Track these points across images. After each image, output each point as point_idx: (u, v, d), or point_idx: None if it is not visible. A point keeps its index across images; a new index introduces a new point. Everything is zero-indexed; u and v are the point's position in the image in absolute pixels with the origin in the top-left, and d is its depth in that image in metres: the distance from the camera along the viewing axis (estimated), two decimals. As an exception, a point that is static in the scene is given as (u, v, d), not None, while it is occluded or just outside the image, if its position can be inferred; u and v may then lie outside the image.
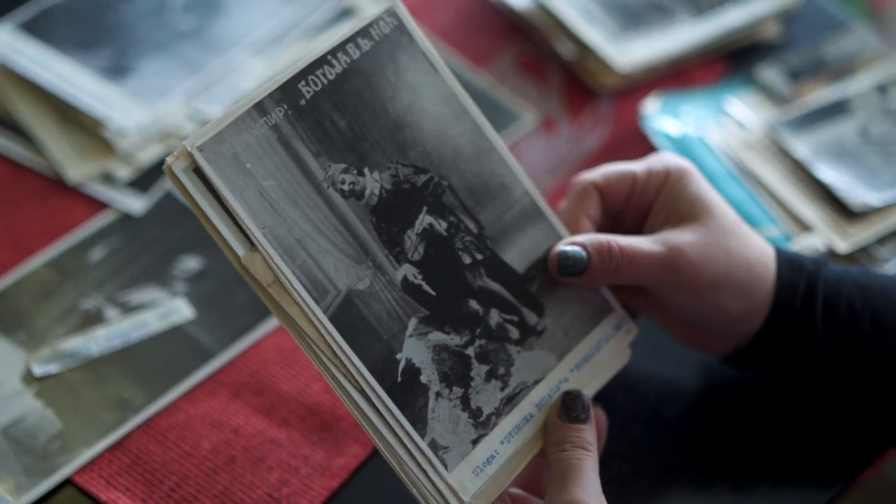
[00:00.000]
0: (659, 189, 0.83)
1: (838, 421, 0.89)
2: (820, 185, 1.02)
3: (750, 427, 0.89)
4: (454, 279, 0.77)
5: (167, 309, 0.95)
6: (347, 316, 0.73)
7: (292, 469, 0.86)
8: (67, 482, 0.86)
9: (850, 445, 0.88)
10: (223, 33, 1.12)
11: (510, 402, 0.77)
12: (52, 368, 0.91)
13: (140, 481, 0.86)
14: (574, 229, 0.83)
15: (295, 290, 0.72)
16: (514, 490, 0.79)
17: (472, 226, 0.79)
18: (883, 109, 1.07)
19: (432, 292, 0.76)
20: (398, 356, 0.74)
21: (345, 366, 0.72)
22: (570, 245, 0.80)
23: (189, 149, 0.70)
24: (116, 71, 1.08)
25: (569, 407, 0.77)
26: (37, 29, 1.09)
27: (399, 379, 0.74)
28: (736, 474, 0.87)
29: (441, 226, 0.77)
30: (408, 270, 0.76)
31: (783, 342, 0.84)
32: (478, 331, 0.77)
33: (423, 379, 0.75)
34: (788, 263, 0.84)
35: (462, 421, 0.75)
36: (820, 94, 1.09)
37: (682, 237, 0.81)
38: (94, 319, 0.94)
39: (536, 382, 0.78)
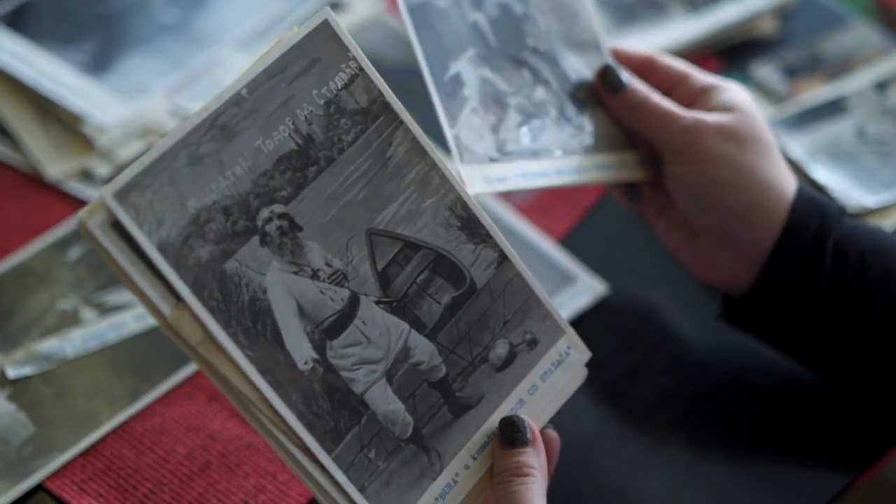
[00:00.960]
0: (704, 91, 0.88)
1: (839, 420, 0.87)
2: (815, 186, 1.00)
3: (748, 428, 0.88)
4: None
5: (144, 310, 0.93)
6: None
7: (269, 475, 0.85)
8: (39, 487, 0.84)
9: (853, 445, 0.87)
10: (207, 27, 1.11)
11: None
12: (27, 371, 0.89)
13: (113, 487, 0.84)
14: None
15: (227, 347, 0.67)
16: None
17: None
18: (881, 108, 1.05)
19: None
20: None
21: (285, 423, 0.68)
22: (618, 67, 0.88)
23: (105, 200, 0.64)
24: (97, 66, 1.06)
25: (505, 432, 0.74)
26: (16, 22, 1.08)
27: None
28: (739, 472, 0.86)
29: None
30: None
31: (789, 280, 0.83)
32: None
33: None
34: (806, 200, 0.85)
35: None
36: (816, 92, 1.07)
37: (711, 115, 0.85)
38: (70, 320, 0.92)
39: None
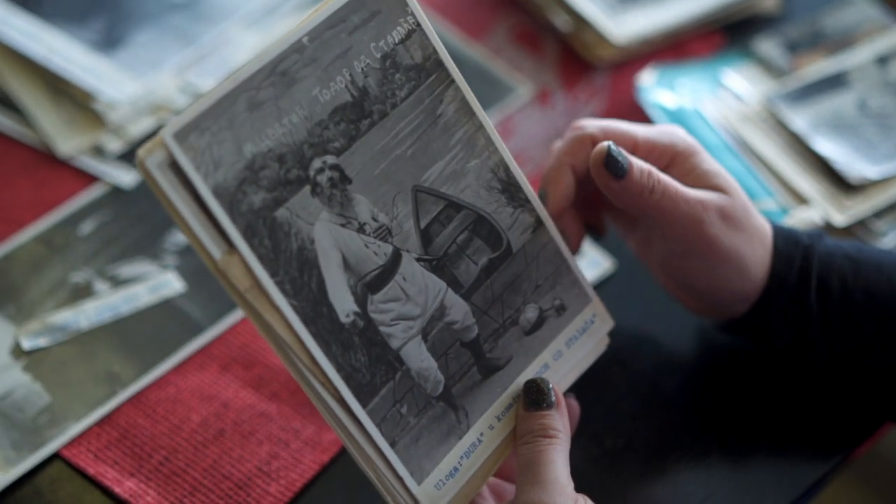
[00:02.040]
0: (668, 162, 0.82)
1: (835, 396, 0.88)
2: (817, 158, 1.01)
3: (747, 401, 0.89)
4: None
5: (157, 282, 0.94)
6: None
7: (282, 443, 0.86)
8: (55, 456, 0.85)
9: (846, 420, 0.88)
10: (216, 4, 1.11)
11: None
12: (42, 342, 0.90)
13: (129, 455, 0.85)
14: (554, 178, 0.81)
15: (273, 296, 0.67)
16: (491, 479, 0.78)
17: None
18: (882, 82, 1.06)
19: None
20: None
21: (323, 374, 0.69)
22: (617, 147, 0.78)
23: (165, 140, 0.64)
24: (108, 43, 1.07)
25: (530, 395, 0.75)
26: (27, 1, 1.08)
27: None
28: (732, 448, 0.87)
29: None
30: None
31: (778, 316, 0.84)
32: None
33: None
34: (785, 238, 0.84)
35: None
36: (818, 67, 1.08)
37: (712, 197, 0.80)
38: (83, 293, 0.93)
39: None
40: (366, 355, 0.71)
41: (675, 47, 1.13)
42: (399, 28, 0.73)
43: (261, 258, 0.67)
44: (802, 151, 1.02)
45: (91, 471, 0.84)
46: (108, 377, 0.89)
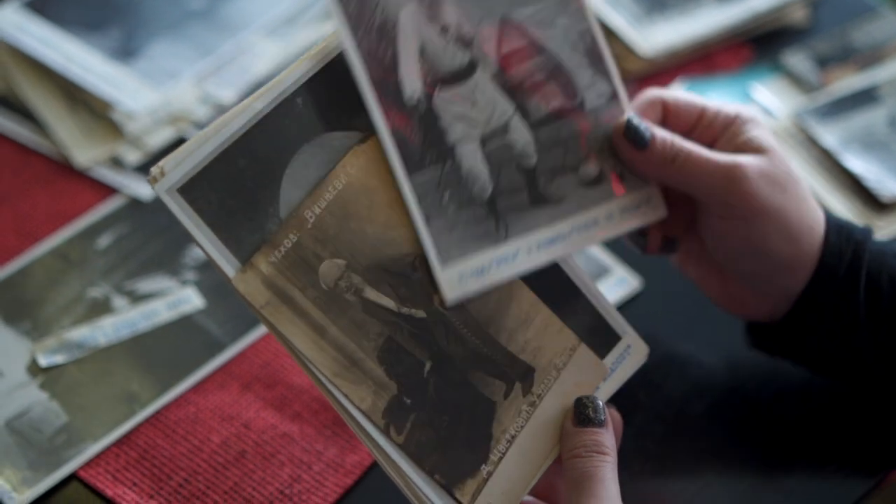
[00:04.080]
0: (726, 127, 0.82)
1: (869, 418, 0.86)
2: (848, 176, 0.99)
3: (778, 425, 0.87)
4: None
5: (176, 298, 0.92)
6: None
7: (305, 465, 0.84)
8: (73, 477, 0.83)
9: (879, 444, 0.86)
10: (235, 14, 1.10)
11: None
12: (59, 359, 0.89)
13: (148, 476, 0.83)
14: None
15: (345, 42, 0.70)
16: (527, 497, 0.76)
17: None
18: (913, 97, 1.04)
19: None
20: None
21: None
22: (639, 118, 0.80)
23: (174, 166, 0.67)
24: (126, 52, 1.06)
25: (582, 411, 0.74)
26: (44, 8, 1.07)
27: None
28: (763, 473, 0.85)
29: None
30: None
31: (823, 311, 0.82)
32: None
33: None
34: (838, 229, 0.82)
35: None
36: (849, 82, 1.07)
37: (746, 159, 0.80)
38: (101, 308, 0.92)
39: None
40: (420, 134, 0.72)
41: (702, 60, 1.11)
42: None
43: (347, 17, 0.70)
44: (833, 168, 1.00)
45: (109, 492, 0.82)
46: (127, 396, 0.87)
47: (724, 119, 0.83)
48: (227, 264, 0.68)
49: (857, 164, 0.99)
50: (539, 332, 0.75)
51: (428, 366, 0.72)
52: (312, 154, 0.71)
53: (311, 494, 0.83)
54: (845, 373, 0.85)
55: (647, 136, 0.79)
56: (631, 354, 0.80)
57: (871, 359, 0.82)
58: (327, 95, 0.72)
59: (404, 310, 0.72)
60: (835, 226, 0.82)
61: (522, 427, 0.74)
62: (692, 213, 0.84)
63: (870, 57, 1.09)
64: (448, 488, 0.71)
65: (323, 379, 0.69)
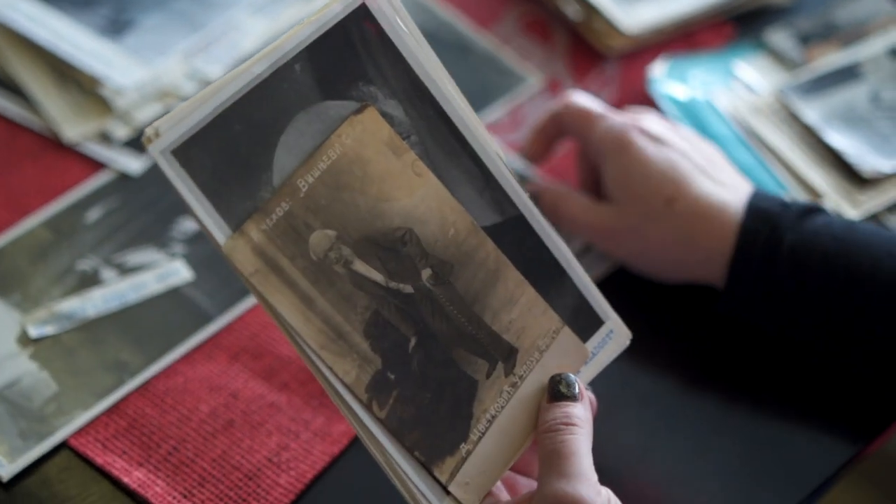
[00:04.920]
0: (605, 156, 0.92)
1: (849, 391, 0.88)
2: (830, 152, 1.00)
3: (753, 400, 0.88)
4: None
5: (165, 270, 0.93)
6: None
7: (292, 434, 0.85)
8: (63, 445, 0.84)
9: (853, 420, 0.87)
10: (224, -9, 1.10)
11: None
12: (48, 330, 0.89)
13: (137, 445, 0.84)
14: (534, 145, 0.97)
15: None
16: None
17: None
18: (895, 74, 1.05)
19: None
20: None
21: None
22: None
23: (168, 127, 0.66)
24: (115, 28, 1.06)
25: (555, 387, 0.74)
26: (33, -15, 1.07)
27: None
28: (738, 448, 0.86)
29: None
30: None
31: (750, 291, 0.86)
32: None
33: None
34: (755, 214, 0.87)
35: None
36: (831, 59, 1.07)
37: (602, 219, 0.91)
38: (90, 281, 0.93)
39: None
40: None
41: (686, 38, 1.12)
42: None
43: None
44: (815, 144, 1.01)
45: (100, 460, 0.83)
46: (116, 366, 0.88)
47: (601, 148, 0.93)
48: (218, 230, 0.67)
49: (839, 139, 1.00)
50: (523, 312, 0.75)
51: (413, 342, 0.72)
52: (308, 122, 0.70)
53: (299, 462, 0.84)
54: (798, 345, 0.89)
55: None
56: (613, 339, 0.79)
57: (811, 332, 0.86)
58: (326, 63, 0.71)
59: (392, 284, 0.72)
60: (753, 211, 0.87)
61: (503, 407, 0.74)
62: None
63: (852, 34, 1.10)
64: (427, 466, 0.71)
65: (308, 351, 0.69)
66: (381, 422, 0.70)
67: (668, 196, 0.88)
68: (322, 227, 0.70)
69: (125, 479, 0.82)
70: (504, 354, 0.75)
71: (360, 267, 0.71)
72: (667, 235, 0.89)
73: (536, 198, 0.85)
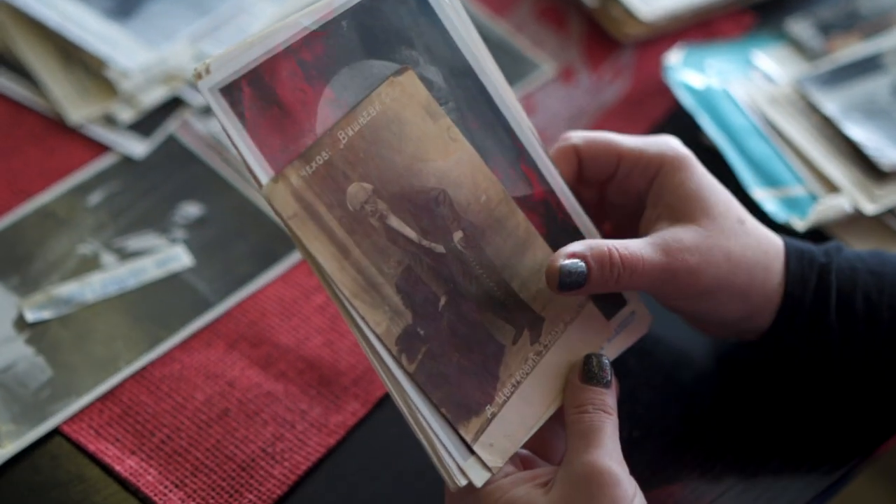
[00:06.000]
0: (653, 178, 0.79)
1: (857, 395, 0.85)
2: (848, 144, 0.98)
3: (765, 396, 0.86)
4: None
5: (165, 256, 0.92)
6: None
7: (288, 424, 0.84)
8: (56, 432, 0.83)
9: (867, 419, 0.85)
10: (233, -26, 1.09)
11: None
12: (46, 315, 0.88)
13: (130, 432, 0.83)
14: None
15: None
16: (523, 451, 0.76)
17: None
18: (918, 66, 1.03)
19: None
20: None
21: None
22: (569, 258, 0.75)
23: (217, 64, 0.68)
24: (122, 11, 1.05)
25: (591, 370, 0.75)
26: (41, -34, 1.06)
27: None
28: (749, 444, 0.84)
29: None
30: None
31: (795, 339, 0.81)
32: None
33: None
34: (798, 257, 0.80)
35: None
36: (852, 49, 1.05)
37: (682, 242, 0.77)
38: (90, 265, 0.91)
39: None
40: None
41: (703, 26, 1.10)
42: None
43: None
44: (833, 136, 0.99)
45: (92, 447, 0.82)
46: (112, 352, 0.87)
47: (647, 167, 0.79)
48: (261, 171, 0.68)
49: (858, 132, 0.98)
50: None
51: (443, 300, 0.73)
52: (352, 77, 0.72)
53: (294, 453, 0.82)
54: (824, 379, 0.84)
55: (581, 279, 0.74)
56: (634, 321, 0.80)
57: (849, 374, 0.82)
58: (371, 24, 0.73)
59: (425, 242, 0.73)
60: (796, 254, 0.80)
61: (528, 374, 0.75)
62: None
63: (875, 25, 1.08)
64: (453, 424, 0.71)
65: (342, 298, 0.70)
66: (410, 376, 0.71)
67: (739, 214, 0.80)
68: (359, 179, 0.71)
69: (117, 467, 0.81)
70: (530, 322, 0.75)
71: (395, 222, 0.72)
72: (747, 253, 0.78)
73: (586, 277, 0.75)
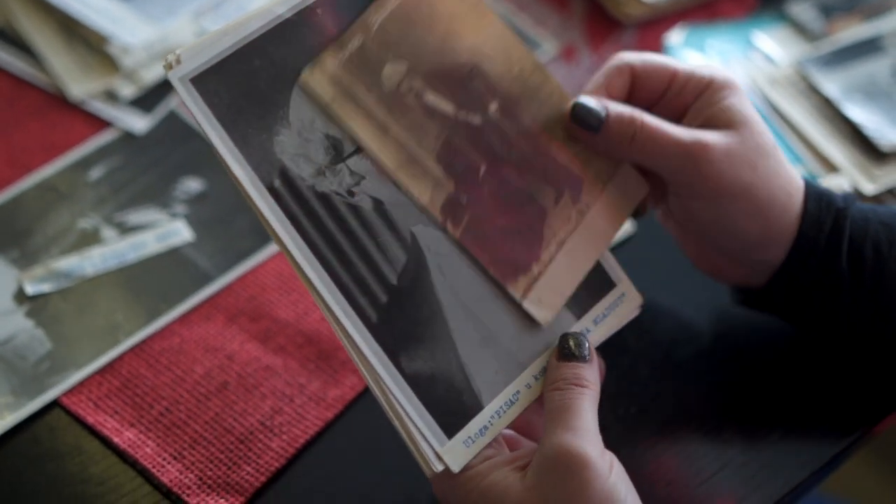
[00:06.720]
0: (698, 94, 0.80)
1: (857, 369, 0.85)
2: (848, 125, 0.98)
3: (764, 373, 0.86)
4: None
5: (166, 230, 0.92)
6: None
7: (286, 398, 0.84)
8: (55, 404, 0.83)
9: (866, 396, 0.85)
10: (236, -49, 1.09)
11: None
12: (45, 288, 0.88)
13: (129, 405, 0.83)
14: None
15: None
16: (507, 431, 0.76)
17: None
18: (918, 48, 1.03)
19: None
20: None
21: None
22: (590, 99, 0.78)
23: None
24: (124, -13, 1.05)
25: (567, 350, 0.74)
26: (43, -59, 1.06)
27: None
28: (748, 420, 0.84)
29: None
30: None
31: (804, 281, 0.80)
32: None
33: None
34: (817, 198, 0.80)
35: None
36: (853, 31, 1.05)
37: (712, 136, 0.77)
38: (90, 239, 0.92)
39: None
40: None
41: (705, 7, 1.10)
42: None
43: None
44: (833, 117, 0.99)
45: (90, 419, 0.82)
46: (112, 325, 0.87)
47: (697, 85, 0.79)
48: (233, 159, 0.68)
49: (858, 113, 0.98)
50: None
51: (483, 169, 0.75)
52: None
53: (292, 427, 0.82)
54: (828, 334, 0.84)
55: (600, 116, 0.77)
56: (624, 303, 0.80)
57: (853, 325, 0.81)
58: (347, 10, 0.73)
59: (461, 115, 0.75)
60: (814, 195, 0.80)
61: (571, 232, 0.77)
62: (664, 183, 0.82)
63: (876, 7, 1.08)
64: (501, 282, 0.74)
65: (388, 170, 0.72)
66: (456, 241, 0.73)
67: (774, 141, 0.80)
68: (394, 60, 0.73)
69: (116, 439, 0.81)
70: (571, 183, 0.78)
71: (431, 98, 0.74)
72: (772, 173, 0.78)
73: (602, 122, 0.77)
